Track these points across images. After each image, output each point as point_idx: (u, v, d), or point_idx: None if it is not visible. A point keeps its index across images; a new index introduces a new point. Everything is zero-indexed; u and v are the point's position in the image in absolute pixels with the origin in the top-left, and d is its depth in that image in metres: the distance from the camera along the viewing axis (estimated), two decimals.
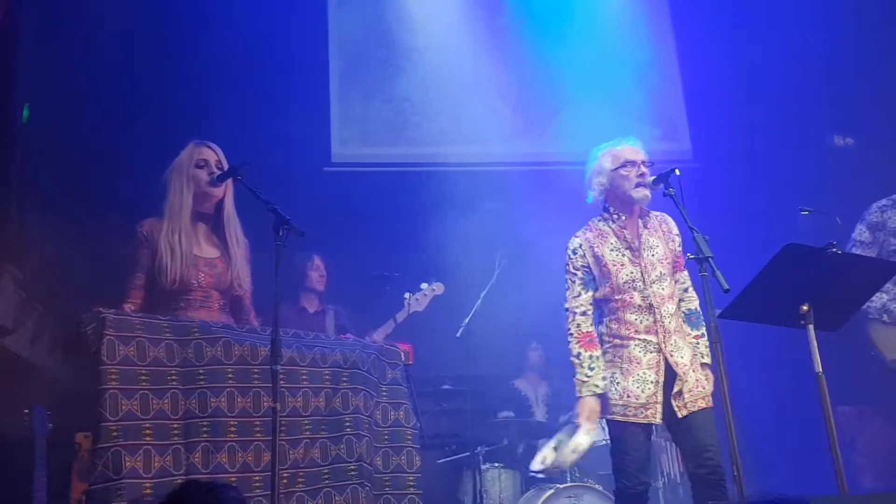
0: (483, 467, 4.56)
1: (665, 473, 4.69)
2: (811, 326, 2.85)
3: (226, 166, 3.17)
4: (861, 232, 4.28)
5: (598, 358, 3.24)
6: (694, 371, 3.21)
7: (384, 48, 5.73)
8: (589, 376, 3.20)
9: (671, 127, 5.92)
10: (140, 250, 3.06)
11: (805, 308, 2.85)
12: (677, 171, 3.18)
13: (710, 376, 3.24)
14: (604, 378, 3.22)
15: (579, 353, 3.25)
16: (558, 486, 4.32)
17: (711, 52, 5.78)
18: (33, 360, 3.90)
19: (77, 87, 4.63)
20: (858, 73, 5.29)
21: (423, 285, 4.50)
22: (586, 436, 3.13)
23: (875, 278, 3.09)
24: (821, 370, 2.81)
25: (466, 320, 4.70)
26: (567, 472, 4.58)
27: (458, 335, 4.70)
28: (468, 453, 4.60)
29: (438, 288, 4.52)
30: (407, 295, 4.43)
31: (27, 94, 4.34)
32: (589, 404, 3.17)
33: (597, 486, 4.32)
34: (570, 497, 4.25)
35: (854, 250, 4.23)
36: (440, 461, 4.84)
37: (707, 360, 3.24)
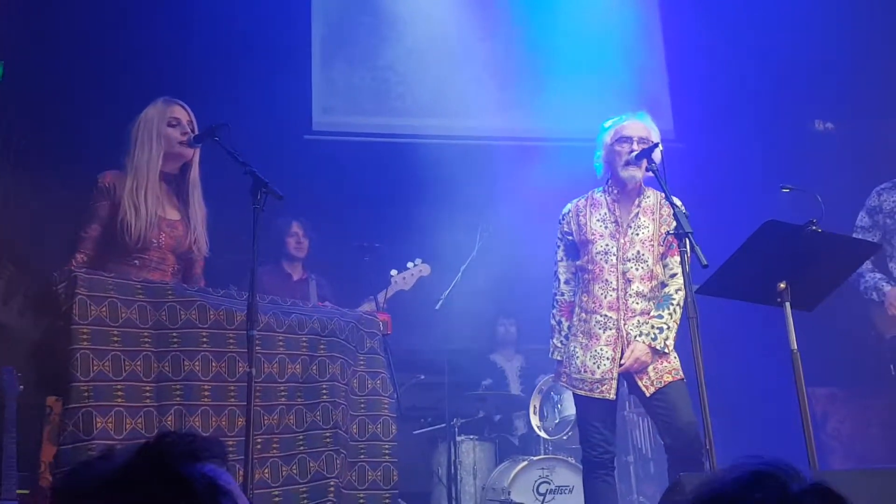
0: (458, 439, 4.58)
1: (636, 448, 4.74)
2: (788, 304, 2.86)
3: (196, 127, 3.09)
4: (861, 218, 4.29)
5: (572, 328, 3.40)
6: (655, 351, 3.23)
7: (369, 15, 5.63)
8: (564, 343, 3.43)
9: (654, 106, 5.86)
10: (99, 201, 2.95)
11: (782, 286, 2.86)
12: (660, 147, 3.19)
13: (646, 353, 3.20)
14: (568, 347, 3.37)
15: (560, 321, 3.44)
16: (532, 458, 4.36)
17: (697, 34, 5.77)
18: (4, 321, 3.83)
19: (53, 45, 4.52)
20: (840, 60, 5.31)
21: (410, 264, 4.45)
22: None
23: (853, 258, 3.12)
24: (796, 347, 2.84)
25: (446, 293, 4.69)
26: (541, 445, 4.64)
27: (437, 308, 4.68)
28: (444, 425, 4.62)
29: (425, 269, 4.47)
30: (393, 272, 4.39)
31: (1, 50, 4.22)
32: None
33: (569, 458, 4.37)
34: (542, 469, 4.29)
35: (856, 236, 4.21)
36: (416, 432, 4.85)
37: (649, 341, 3.18)
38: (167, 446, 0.99)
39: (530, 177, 5.04)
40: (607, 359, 3.22)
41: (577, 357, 3.28)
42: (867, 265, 4.07)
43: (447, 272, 4.74)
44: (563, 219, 3.47)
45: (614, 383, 3.21)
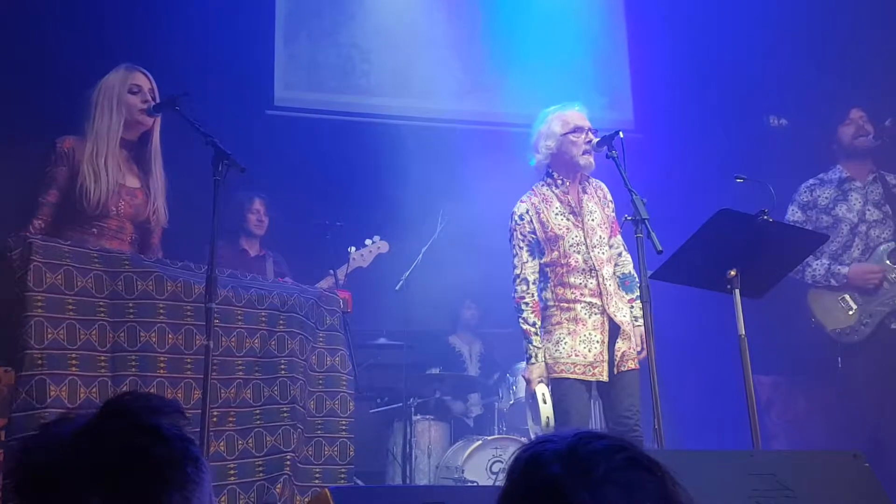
0: (414, 418, 4.62)
1: None
2: (737, 291, 2.95)
3: (157, 95, 3.06)
4: (793, 212, 4.36)
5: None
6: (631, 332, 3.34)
7: None
8: (543, 341, 3.33)
9: (616, 96, 5.99)
10: (57, 167, 2.91)
11: (733, 273, 2.95)
12: (621, 134, 3.24)
13: (640, 339, 3.35)
14: (547, 341, 3.33)
15: (535, 322, 3.33)
16: (486, 437, 4.42)
17: (660, 26, 5.85)
18: None
19: (10, 8, 4.38)
20: (796, 59, 5.43)
21: (368, 241, 4.45)
22: (545, 402, 3.22)
23: (802, 248, 3.22)
24: (744, 333, 2.93)
25: (406, 274, 4.70)
26: (495, 426, 4.71)
27: (397, 288, 4.70)
28: (400, 404, 4.65)
29: (384, 246, 4.48)
30: (351, 249, 4.38)
31: None
32: (543, 368, 3.28)
33: (521, 439, 4.44)
34: (496, 448, 4.35)
35: None
36: (372, 411, 4.88)
37: (639, 323, 3.34)
38: (129, 402, 1.00)
39: (492, 160, 5.07)
40: (597, 342, 3.26)
41: (566, 343, 3.26)
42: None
43: (408, 253, 4.76)
44: (522, 220, 3.38)
45: (606, 365, 3.25)
